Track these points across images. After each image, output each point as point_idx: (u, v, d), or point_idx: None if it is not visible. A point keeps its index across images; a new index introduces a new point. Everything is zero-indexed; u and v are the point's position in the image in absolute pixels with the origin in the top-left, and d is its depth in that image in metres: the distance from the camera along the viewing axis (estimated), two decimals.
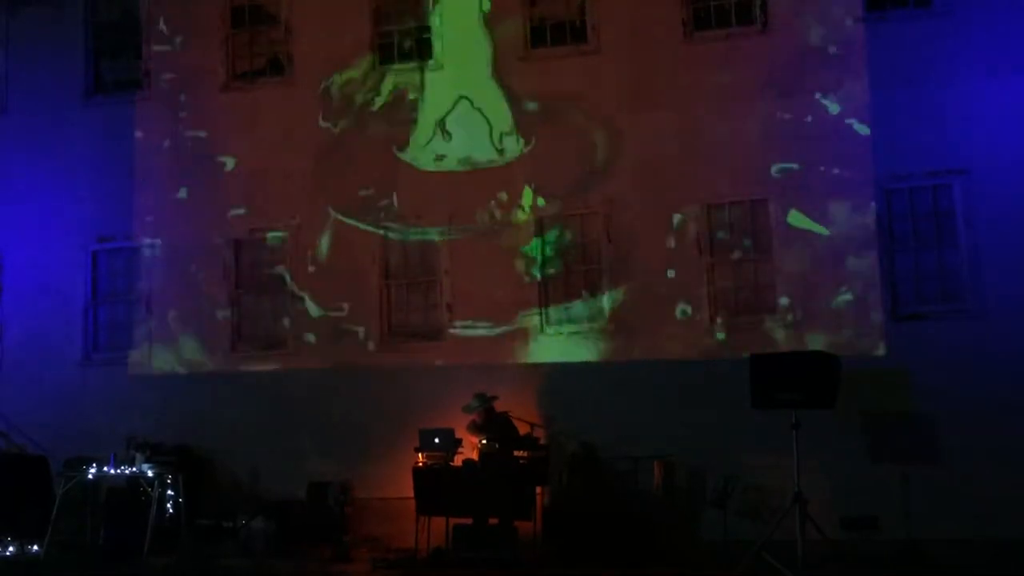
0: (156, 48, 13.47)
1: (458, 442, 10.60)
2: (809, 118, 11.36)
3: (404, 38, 12.76)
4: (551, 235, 11.98)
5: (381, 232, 12.45)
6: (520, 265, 11.98)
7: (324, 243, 12.61)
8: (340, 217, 12.55)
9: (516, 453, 10.33)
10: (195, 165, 13.10)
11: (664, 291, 11.51)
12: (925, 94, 11.01)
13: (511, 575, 9.56)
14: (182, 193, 13.13)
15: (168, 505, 11.32)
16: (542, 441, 10.71)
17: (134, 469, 10.96)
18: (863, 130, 11.19)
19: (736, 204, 11.56)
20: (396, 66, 12.69)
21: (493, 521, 10.29)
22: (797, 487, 8.72)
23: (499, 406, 11.02)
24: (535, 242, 11.94)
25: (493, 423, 10.82)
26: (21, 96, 13.84)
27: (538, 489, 10.39)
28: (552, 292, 11.97)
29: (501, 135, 12.17)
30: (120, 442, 11.55)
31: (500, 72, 12.27)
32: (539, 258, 11.94)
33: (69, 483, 11.03)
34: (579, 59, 12.10)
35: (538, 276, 11.89)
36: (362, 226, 12.49)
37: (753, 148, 11.43)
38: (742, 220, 11.56)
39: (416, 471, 10.48)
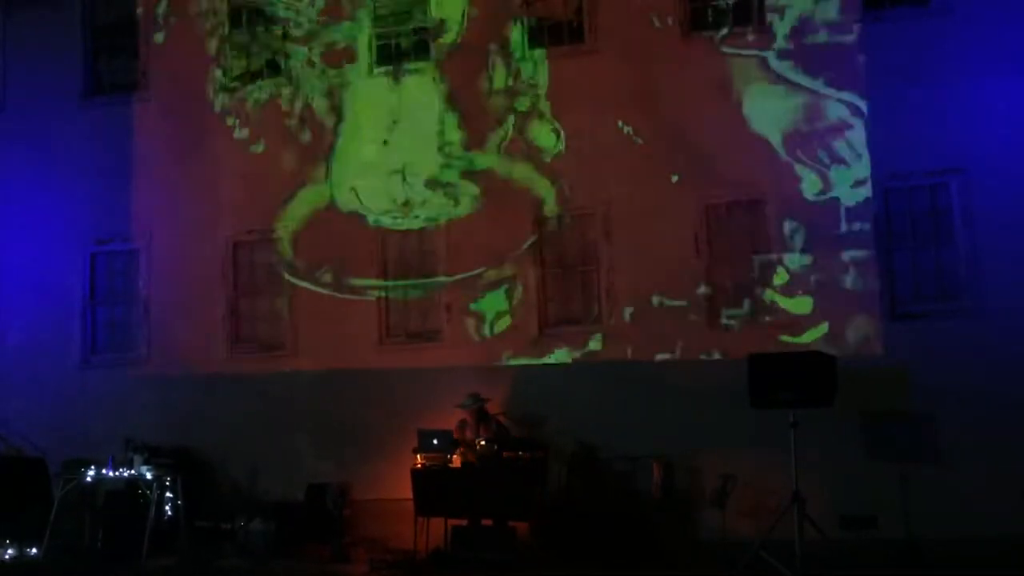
0: (153, 49, 13.46)
1: (456, 443, 10.59)
2: (807, 117, 11.34)
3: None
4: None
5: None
6: None
7: (322, 243, 12.59)
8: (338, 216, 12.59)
9: (505, 454, 10.32)
10: (193, 166, 13.09)
11: (663, 291, 11.49)
12: (923, 93, 10.96)
13: None
14: (180, 194, 13.10)
15: (167, 507, 11.32)
16: (537, 441, 10.71)
17: (132, 472, 10.96)
18: (861, 129, 11.18)
19: (735, 203, 11.54)
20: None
21: (492, 522, 10.28)
22: (796, 486, 8.72)
23: (498, 406, 11.02)
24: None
25: (483, 424, 10.83)
26: (18, 97, 13.83)
27: (537, 490, 10.38)
28: (551, 292, 11.97)
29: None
30: (119, 444, 11.56)
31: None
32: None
33: (68, 485, 11.04)
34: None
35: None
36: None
37: (751, 147, 11.41)
38: (741, 219, 11.54)
39: (414, 472, 10.47)
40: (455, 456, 10.50)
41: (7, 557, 10.90)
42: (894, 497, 9.76)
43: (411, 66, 12.59)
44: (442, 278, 12.18)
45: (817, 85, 11.34)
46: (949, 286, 10.98)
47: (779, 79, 11.44)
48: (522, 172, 12.03)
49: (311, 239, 12.61)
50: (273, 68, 13.13)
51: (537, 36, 12.29)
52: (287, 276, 12.64)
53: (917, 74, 11.00)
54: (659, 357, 11.35)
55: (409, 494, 10.48)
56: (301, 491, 11.58)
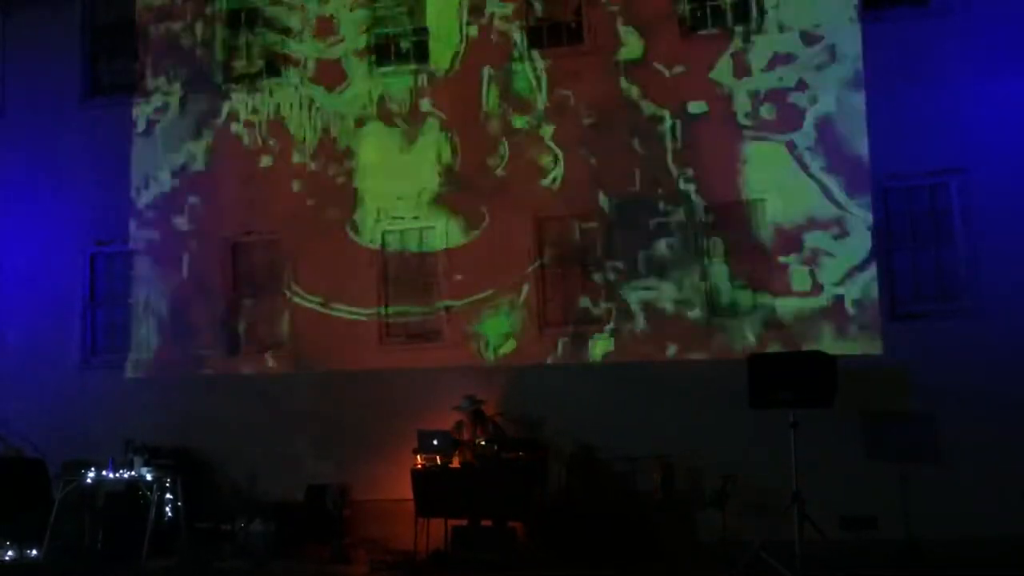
0: (153, 51, 13.44)
1: (456, 444, 10.58)
2: (806, 118, 11.33)
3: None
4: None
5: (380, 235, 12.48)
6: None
7: (322, 245, 12.58)
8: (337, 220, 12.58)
9: (505, 455, 10.31)
10: (192, 168, 13.09)
11: (662, 291, 11.49)
12: (923, 93, 10.96)
13: None
14: (179, 196, 13.10)
15: (167, 508, 11.32)
16: (537, 442, 10.70)
17: (132, 473, 10.96)
18: (860, 129, 11.17)
19: (733, 204, 11.53)
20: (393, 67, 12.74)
21: (491, 523, 10.27)
22: (796, 487, 8.71)
23: (494, 408, 11.02)
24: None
25: (479, 426, 10.82)
26: (18, 99, 13.84)
27: (536, 490, 10.37)
28: (550, 292, 11.97)
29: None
30: (119, 445, 11.54)
31: None
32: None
33: (68, 486, 11.04)
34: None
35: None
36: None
37: (751, 147, 11.41)
38: (739, 220, 11.53)
39: (414, 473, 10.47)
40: (455, 457, 10.50)
41: (7, 558, 10.92)
42: (894, 497, 9.76)
43: (406, 70, 12.60)
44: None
45: (817, 82, 11.32)
46: (949, 286, 10.98)
47: (779, 80, 11.42)
48: (522, 182, 12.00)
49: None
50: (272, 70, 13.11)
51: (536, 38, 12.27)
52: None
53: (917, 74, 10.99)
54: (659, 357, 11.34)
55: (409, 495, 10.48)
56: (301, 492, 11.57)
